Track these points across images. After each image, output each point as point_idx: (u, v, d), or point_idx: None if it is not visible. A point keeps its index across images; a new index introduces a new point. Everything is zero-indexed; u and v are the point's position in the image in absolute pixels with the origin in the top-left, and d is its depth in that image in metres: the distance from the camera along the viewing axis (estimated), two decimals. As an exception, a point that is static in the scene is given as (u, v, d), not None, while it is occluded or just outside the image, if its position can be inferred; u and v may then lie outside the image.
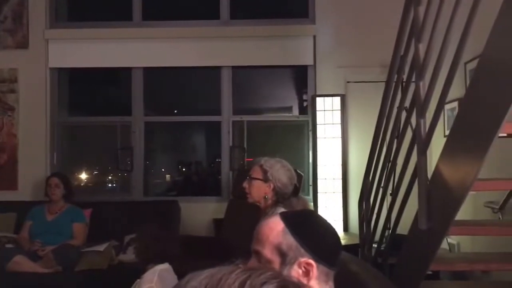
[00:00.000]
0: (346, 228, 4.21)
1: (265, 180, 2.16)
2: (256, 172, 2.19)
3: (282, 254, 1.07)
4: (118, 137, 4.73)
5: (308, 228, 1.11)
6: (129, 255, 3.84)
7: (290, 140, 4.81)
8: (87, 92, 5.17)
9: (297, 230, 1.08)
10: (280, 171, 2.16)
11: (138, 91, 4.69)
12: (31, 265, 3.69)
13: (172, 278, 2.22)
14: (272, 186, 2.16)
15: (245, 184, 2.20)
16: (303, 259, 1.06)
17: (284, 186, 2.16)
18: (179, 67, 4.72)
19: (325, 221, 1.17)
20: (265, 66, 4.69)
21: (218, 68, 4.66)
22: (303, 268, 1.06)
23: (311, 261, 1.05)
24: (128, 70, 4.71)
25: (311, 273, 1.05)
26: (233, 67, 4.66)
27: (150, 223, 3.61)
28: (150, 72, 4.73)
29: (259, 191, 2.18)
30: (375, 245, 3.10)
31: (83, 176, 5.05)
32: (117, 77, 5.09)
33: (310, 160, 4.44)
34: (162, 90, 5.15)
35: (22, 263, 3.67)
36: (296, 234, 1.08)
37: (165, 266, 2.26)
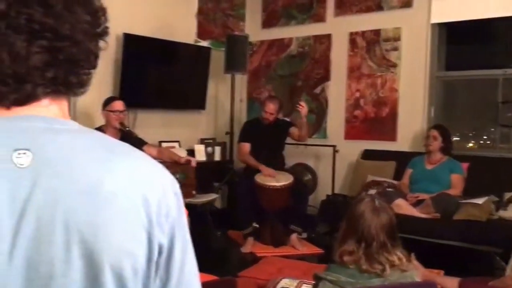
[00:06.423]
0: None
1: None
2: None
3: None
4: (499, 91, 4.63)
5: None
6: (510, 212, 3.81)
7: None
8: (464, 45, 5.21)
9: None
10: None
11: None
12: (410, 209, 4.12)
13: None
14: None
15: None
16: None
17: None
18: None
19: None
20: None
21: None
22: None
23: None
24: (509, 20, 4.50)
25: None
26: None
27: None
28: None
29: None
30: None
31: (460, 130, 5.16)
32: (495, 28, 4.94)
33: None
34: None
35: (402, 206, 4.13)
36: None
37: None
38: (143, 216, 0.67)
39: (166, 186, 0.71)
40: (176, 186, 0.73)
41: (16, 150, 0.64)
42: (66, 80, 0.70)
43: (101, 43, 0.74)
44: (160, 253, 0.69)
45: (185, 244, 0.73)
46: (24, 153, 0.64)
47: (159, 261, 0.69)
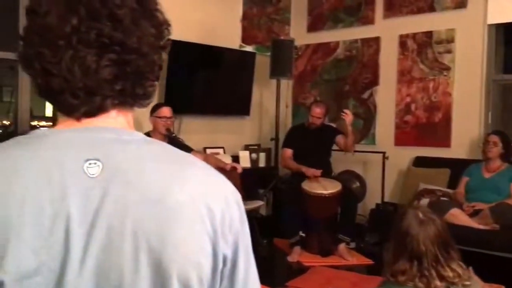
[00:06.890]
0: None
1: None
2: None
3: None
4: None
5: None
6: None
7: None
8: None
9: None
10: None
11: None
12: (466, 219, 3.99)
13: None
14: None
15: None
16: None
17: None
18: None
19: None
20: None
21: None
22: None
23: None
24: None
25: None
26: None
27: None
28: None
29: None
30: None
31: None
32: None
33: None
34: None
35: (458, 216, 4.01)
36: None
37: None
38: (208, 226, 0.68)
39: (229, 197, 0.72)
40: (238, 196, 0.74)
41: (87, 160, 0.67)
42: (133, 92, 0.73)
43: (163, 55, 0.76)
44: (224, 264, 0.70)
45: (248, 255, 0.74)
46: (95, 163, 0.67)
47: (224, 272, 0.71)
